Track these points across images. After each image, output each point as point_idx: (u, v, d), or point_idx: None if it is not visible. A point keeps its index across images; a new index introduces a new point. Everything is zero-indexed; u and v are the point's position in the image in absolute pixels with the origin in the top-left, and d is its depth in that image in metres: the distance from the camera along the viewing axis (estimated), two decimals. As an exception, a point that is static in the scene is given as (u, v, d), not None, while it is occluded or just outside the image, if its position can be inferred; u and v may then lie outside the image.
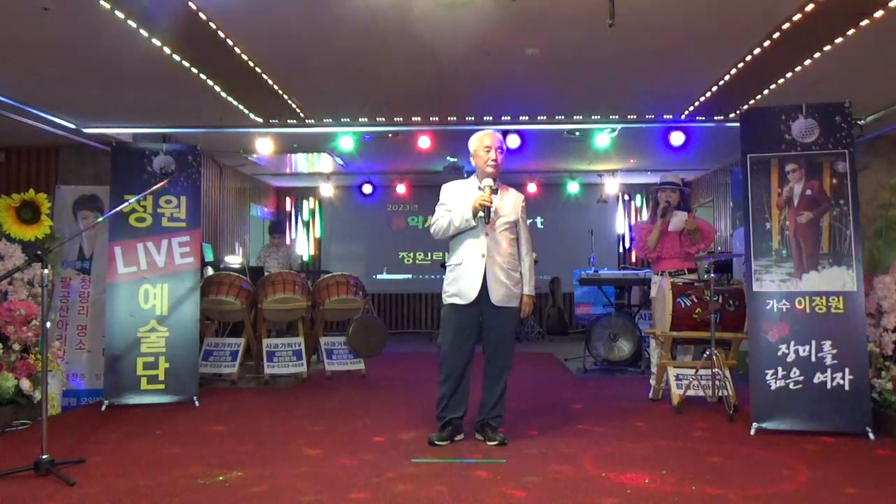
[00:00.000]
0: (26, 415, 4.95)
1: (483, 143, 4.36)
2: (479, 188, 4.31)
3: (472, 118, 6.58)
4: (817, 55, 4.71)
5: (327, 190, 11.36)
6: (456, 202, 4.34)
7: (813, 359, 4.54)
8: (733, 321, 5.38)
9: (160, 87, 5.46)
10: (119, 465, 3.90)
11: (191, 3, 3.97)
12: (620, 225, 12.05)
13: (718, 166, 9.87)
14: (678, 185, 6.01)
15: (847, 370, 4.48)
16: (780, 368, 4.58)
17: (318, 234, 12.34)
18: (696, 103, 6.02)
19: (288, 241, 11.93)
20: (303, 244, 12.28)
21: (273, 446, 4.29)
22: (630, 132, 7.27)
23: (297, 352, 6.91)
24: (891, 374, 4.63)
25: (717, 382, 5.14)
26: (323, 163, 9.82)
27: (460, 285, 4.28)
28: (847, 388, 4.47)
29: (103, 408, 5.43)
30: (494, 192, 4.32)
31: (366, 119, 6.59)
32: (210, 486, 3.52)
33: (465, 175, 4.51)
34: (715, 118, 6.49)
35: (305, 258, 12.21)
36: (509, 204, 4.37)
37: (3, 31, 4.28)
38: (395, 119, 6.63)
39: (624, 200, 12.00)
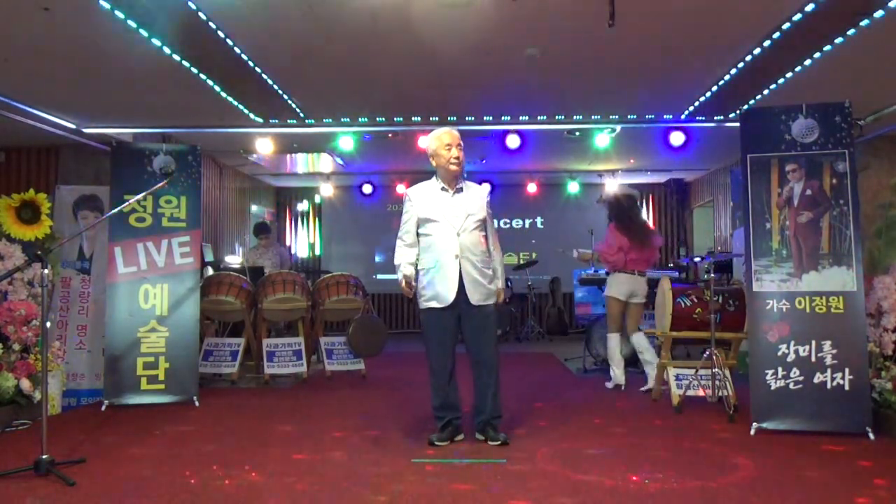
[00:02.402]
0: (26, 415, 4.95)
1: (443, 141, 4.29)
2: (443, 188, 4.31)
3: (473, 118, 6.59)
4: (817, 55, 4.72)
5: (327, 190, 11.36)
6: (422, 208, 4.30)
7: (813, 359, 4.54)
8: (733, 321, 5.38)
9: (160, 87, 5.46)
10: (119, 465, 3.90)
11: (191, 3, 3.97)
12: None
13: (718, 166, 9.87)
14: (606, 199, 6.82)
15: (847, 370, 4.48)
16: (780, 368, 4.58)
17: (317, 235, 12.34)
18: (696, 103, 6.02)
19: (287, 243, 11.94)
20: (302, 244, 12.28)
21: (273, 446, 4.29)
22: (630, 132, 7.27)
23: (297, 352, 6.91)
24: (891, 374, 4.63)
25: (717, 382, 5.14)
26: (323, 163, 9.82)
27: (437, 288, 4.23)
28: (847, 388, 4.47)
29: (103, 408, 5.43)
30: (459, 191, 4.31)
31: (366, 119, 6.60)
32: (210, 486, 3.52)
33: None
34: (715, 118, 6.50)
35: (305, 257, 12.21)
36: (476, 200, 4.31)
37: (3, 31, 4.28)
38: (395, 119, 6.63)
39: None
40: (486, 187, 4.39)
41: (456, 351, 4.35)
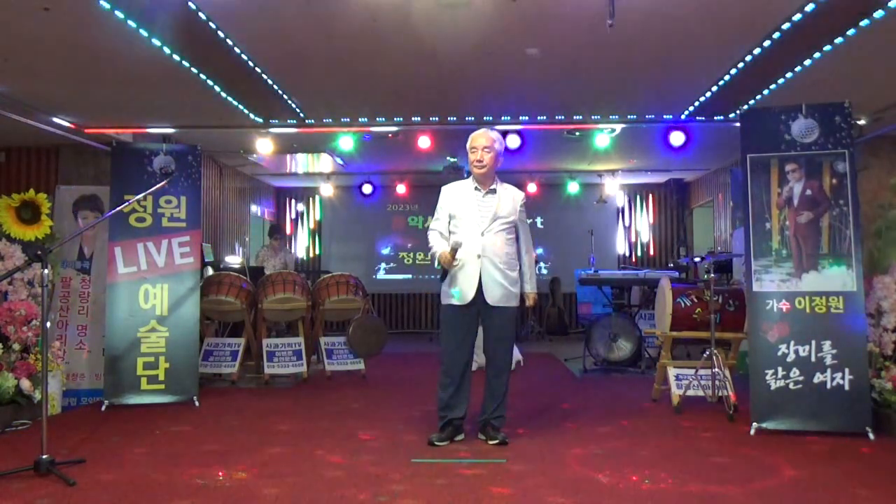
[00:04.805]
0: (26, 415, 4.95)
1: (470, 143, 4.39)
2: (475, 188, 4.34)
3: (472, 118, 6.59)
4: (817, 55, 4.72)
5: (327, 190, 11.37)
6: (452, 204, 4.38)
7: (813, 359, 4.54)
8: (733, 321, 5.38)
9: (160, 87, 5.46)
10: (119, 465, 3.90)
11: (191, 3, 3.97)
12: (620, 225, 12.05)
13: (718, 166, 9.87)
14: None
15: (847, 370, 4.48)
16: (780, 368, 4.58)
17: (317, 235, 12.34)
18: (696, 103, 6.02)
19: (288, 246, 11.93)
20: (302, 244, 12.28)
21: (272, 446, 4.29)
22: (630, 132, 7.27)
23: (297, 352, 6.91)
24: (891, 374, 4.63)
25: (717, 382, 5.14)
26: (323, 163, 9.82)
27: (458, 286, 4.28)
28: (847, 388, 4.47)
29: (103, 408, 5.43)
30: (492, 192, 4.35)
31: (366, 119, 6.60)
32: (210, 486, 3.52)
33: (465, 174, 4.53)
34: (715, 118, 6.49)
35: (305, 258, 12.20)
36: (507, 203, 4.36)
37: (3, 31, 4.29)
38: (395, 119, 6.63)
39: (624, 202, 12.00)
40: (521, 193, 4.44)
41: (473, 352, 4.38)
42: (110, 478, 3.65)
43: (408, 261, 12.14)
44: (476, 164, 4.33)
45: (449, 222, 4.40)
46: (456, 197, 4.39)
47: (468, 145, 4.41)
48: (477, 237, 4.26)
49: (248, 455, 4.08)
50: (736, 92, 5.58)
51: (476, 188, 4.38)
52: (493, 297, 4.24)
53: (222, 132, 7.00)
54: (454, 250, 4.19)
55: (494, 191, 4.37)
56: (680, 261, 10.10)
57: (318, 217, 12.33)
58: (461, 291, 4.26)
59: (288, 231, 12.21)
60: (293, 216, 12.33)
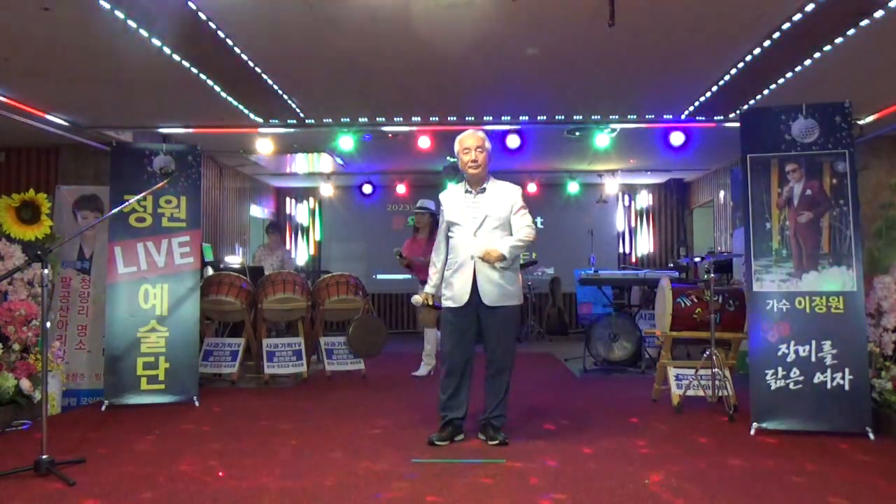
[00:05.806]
0: (26, 415, 4.95)
1: (462, 144, 4.37)
2: (467, 191, 4.39)
3: (472, 118, 6.58)
4: (817, 55, 4.71)
5: (327, 190, 11.36)
6: (447, 210, 4.42)
7: (813, 359, 4.54)
8: (733, 321, 5.38)
9: (160, 87, 5.46)
10: (119, 465, 3.90)
11: (191, 3, 3.97)
12: (620, 225, 12.04)
13: (718, 166, 9.87)
14: (426, 209, 7.27)
15: (847, 370, 4.48)
16: (780, 368, 4.58)
17: (317, 235, 12.34)
18: (696, 103, 6.02)
19: (287, 245, 11.92)
20: (302, 244, 12.27)
21: (272, 446, 4.30)
22: (630, 132, 7.26)
23: (297, 352, 6.91)
24: (891, 374, 4.63)
25: (717, 382, 5.15)
26: (323, 163, 9.81)
27: (454, 288, 4.29)
28: (847, 388, 4.47)
29: (103, 408, 5.43)
30: (482, 191, 4.35)
31: (366, 119, 6.60)
32: (210, 485, 3.52)
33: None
34: (715, 118, 6.49)
35: (305, 258, 12.19)
36: (498, 201, 4.32)
37: (3, 31, 4.28)
38: (395, 119, 6.63)
39: (624, 202, 12.00)
40: (517, 188, 4.41)
41: (473, 352, 4.38)
42: (110, 478, 3.65)
43: (408, 261, 12.12)
44: (471, 165, 4.32)
45: (448, 230, 4.42)
46: (451, 203, 4.42)
47: (458, 147, 4.38)
48: (470, 238, 4.26)
49: (249, 455, 4.09)
50: (736, 92, 5.58)
51: (467, 190, 4.38)
52: (489, 297, 4.24)
53: (222, 132, 6.99)
54: (424, 301, 4.55)
55: (485, 189, 4.36)
56: (680, 261, 10.10)
57: (317, 217, 12.32)
58: (456, 294, 4.29)
59: (286, 230, 12.20)
60: (293, 216, 12.31)
